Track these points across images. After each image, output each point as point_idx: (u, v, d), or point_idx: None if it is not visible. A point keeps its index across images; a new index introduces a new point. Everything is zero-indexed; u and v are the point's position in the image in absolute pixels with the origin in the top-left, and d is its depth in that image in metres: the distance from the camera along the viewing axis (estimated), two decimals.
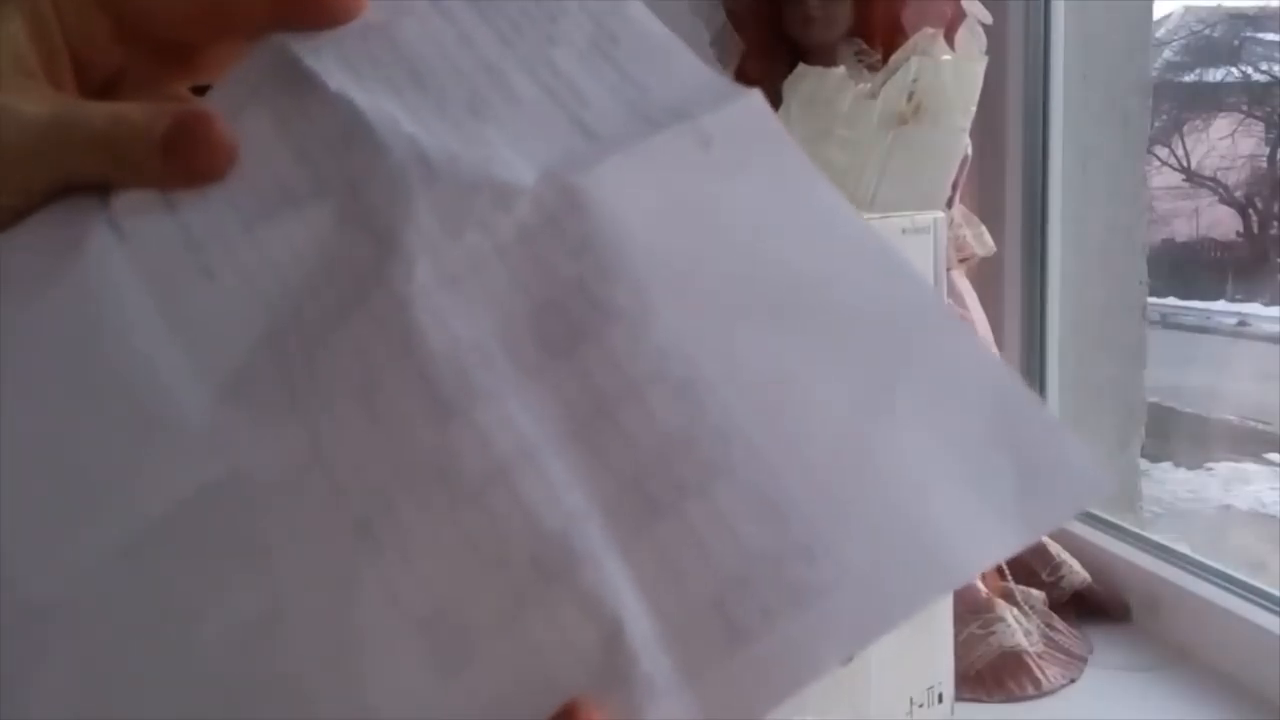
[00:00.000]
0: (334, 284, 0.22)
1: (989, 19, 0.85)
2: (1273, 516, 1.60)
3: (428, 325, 0.21)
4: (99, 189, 0.24)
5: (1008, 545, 0.21)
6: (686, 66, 0.25)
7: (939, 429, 0.22)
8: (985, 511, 0.21)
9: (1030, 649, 0.76)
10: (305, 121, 0.24)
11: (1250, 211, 2.17)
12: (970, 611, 0.76)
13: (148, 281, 0.23)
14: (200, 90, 0.27)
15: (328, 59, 0.25)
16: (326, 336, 0.22)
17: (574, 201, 0.23)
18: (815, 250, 0.24)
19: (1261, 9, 2.15)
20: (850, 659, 0.61)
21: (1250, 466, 1.72)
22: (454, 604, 0.20)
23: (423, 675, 0.20)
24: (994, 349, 0.85)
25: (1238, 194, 2.14)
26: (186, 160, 0.24)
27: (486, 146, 0.23)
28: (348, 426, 0.21)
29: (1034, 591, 0.82)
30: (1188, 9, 2.02)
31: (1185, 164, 2.10)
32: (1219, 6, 2.10)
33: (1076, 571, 0.84)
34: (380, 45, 0.25)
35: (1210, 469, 1.74)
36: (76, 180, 0.24)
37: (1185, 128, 2.08)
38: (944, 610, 0.67)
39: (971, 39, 0.84)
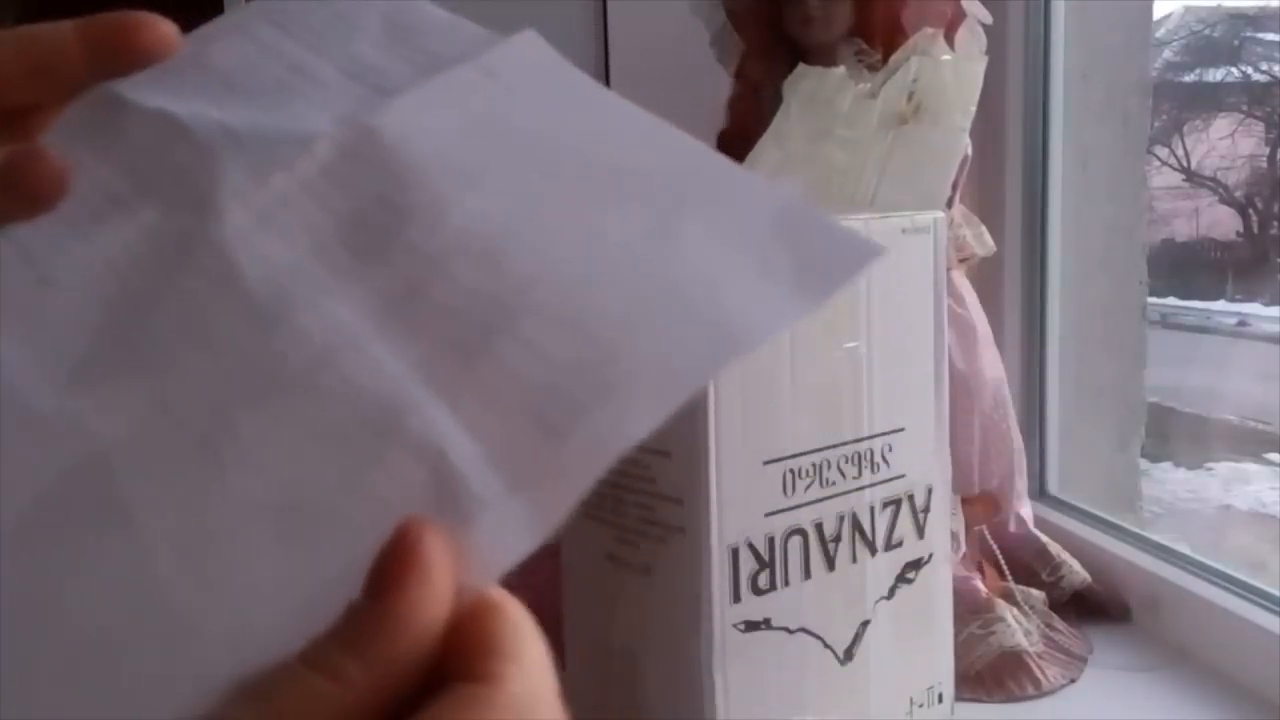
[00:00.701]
0: (163, 257, 0.24)
1: (989, 19, 0.85)
2: (1273, 516, 1.60)
3: (244, 259, 0.24)
4: None
5: (790, 313, 0.25)
6: (472, 33, 0.28)
7: (721, 239, 0.25)
8: (768, 291, 0.24)
9: (1030, 649, 0.76)
10: (125, 140, 0.26)
11: (1250, 211, 2.17)
12: (970, 611, 0.76)
13: None
14: None
15: (144, 89, 0.27)
16: (160, 300, 0.24)
17: (370, 136, 0.25)
18: (597, 131, 0.27)
19: (1261, 9, 2.16)
20: (851, 657, 0.61)
21: (1250, 466, 1.72)
22: (298, 484, 0.22)
23: (282, 561, 0.22)
24: (994, 350, 0.85)
25: (1238, 194, 2.14)
26: (22, 188, 0.25)
27: (289, 112, 0.26)
28: (183, 365, 0.23)
29: (1034, 591, 0.82)
30: (1188, 9, 2.02)
31: (1185, 164, 2.10)
32: (1219, 6, 2.10)
33: (1076, 571, 0.84)
34: (192, 69, 0.27)
35: (1210, 469, 1.74)
36: None
37: (1185, 128, 2.08)
38: (944, 610, 0.67)
39: (971, 39, 0.84)
